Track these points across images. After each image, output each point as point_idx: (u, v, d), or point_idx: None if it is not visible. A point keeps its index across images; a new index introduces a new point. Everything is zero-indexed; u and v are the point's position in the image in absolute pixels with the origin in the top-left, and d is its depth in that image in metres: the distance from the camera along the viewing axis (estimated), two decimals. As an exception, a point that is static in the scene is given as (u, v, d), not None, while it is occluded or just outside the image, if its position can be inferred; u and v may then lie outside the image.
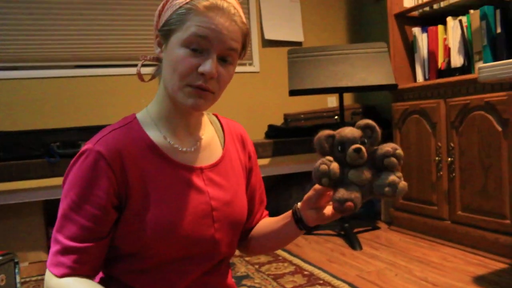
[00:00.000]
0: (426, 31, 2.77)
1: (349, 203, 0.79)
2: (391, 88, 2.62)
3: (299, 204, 0.95)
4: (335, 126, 3.25)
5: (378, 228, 2.98)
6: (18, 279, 2.02)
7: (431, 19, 2.87)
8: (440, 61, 2.68)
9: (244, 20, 0.88)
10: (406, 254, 2.40)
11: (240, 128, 1.09)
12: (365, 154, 0.81)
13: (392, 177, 0.80)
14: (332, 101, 3.79)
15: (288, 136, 3.16)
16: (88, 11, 3.11)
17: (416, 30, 2.83)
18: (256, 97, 3.60)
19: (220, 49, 0.84)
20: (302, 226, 0.95)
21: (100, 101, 3.14)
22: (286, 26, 3.67)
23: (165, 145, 0.91)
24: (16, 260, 2.02)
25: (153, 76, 1.00)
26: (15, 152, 2.48)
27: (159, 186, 0.87)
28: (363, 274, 2.15)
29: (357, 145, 0.81)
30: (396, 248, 2.52)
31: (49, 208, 2.99)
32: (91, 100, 3.12)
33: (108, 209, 0.84)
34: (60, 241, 0.85)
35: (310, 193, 0.90)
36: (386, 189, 0.79)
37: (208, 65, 0.82)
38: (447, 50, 2.63)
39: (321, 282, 2.09)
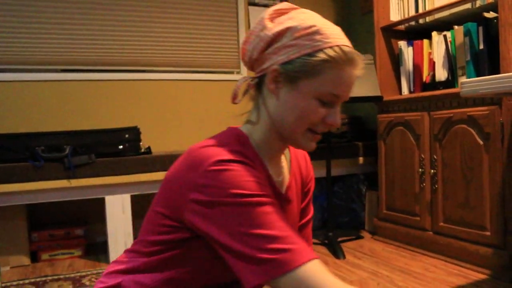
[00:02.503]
0: (412, 45, 2.83)
1: None
2: (377, 99, 2.66)
3: None
4: (322, 135, 3.29)
5: (361, 237, 3.01)
6: (-1, 284, 2.01)
7: (417, 33, 2.93)
8: (425, 75, 2.74)
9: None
10: (388, 264, 2.43)
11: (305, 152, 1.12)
12: None
13: None
14: (318, 111, 3.82)
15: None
16: (76, 15, 3.10)
17: (402, 44, 2.88)
18: (243, 106, 3.61)
19: (343, 100, 0.88)
20: None
21: (87, 105, 3.14)
22: (274, 35, 3.70)
23: (271, 174, 0.94)
24: (-3, 264, 2.01)
25: (252, 97, 0.97)
26: (-1, 155, 2.46)
27: None
28: (345, 283, 2.17)
29: None
30: (379, 257, 2.55)
31: (33, 212, 2.97)
32: (77, 105, 3.11)
33: None
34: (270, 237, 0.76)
35: None
36: None
37: (337, 118, 0.87)
38: (432, 64, 2.69)
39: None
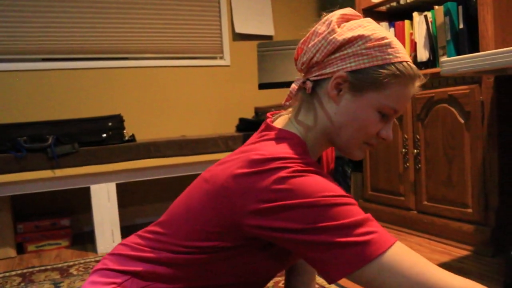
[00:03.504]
0: (394, 26, 2.83)
1: None
2: (360, 81, 2.67)
3: None
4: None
5: (347, 219, 3.04)
6: (-15, 276, 1.99)
7: (398, 14, 2.93)
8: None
9: None
10: (374, 244, 2.46)
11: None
12: None
13: None
14: (302, 94, 3.83)
15: (258, 129, 3.18)
16: (55, 2, 3.05)
17: (384, 25, 2.89)
18: (227, 91, 3.61)
19: (397, 116, 0.90)
20: None
21: (69, 94, 3.10)
22: (256, 20, 3.69)
23: None
24: (-17, 257, 1.99)
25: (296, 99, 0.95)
26: (-20, 147, 2.43)
27: None
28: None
29: None
30: (364, 238, 2.58)
31: (17, 203, 2.95)
32: (59, 94, 3.07)
33: None
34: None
35: None
36: None
37: (389, 133, 0.87)
38: (414, 45, 2.70)
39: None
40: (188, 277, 0.88)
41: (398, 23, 2.80)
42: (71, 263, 2.43)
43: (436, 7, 2.50)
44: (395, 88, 0.83)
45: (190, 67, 3.49)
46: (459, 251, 2.24)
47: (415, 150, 2.52)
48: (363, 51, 0.83)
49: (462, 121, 2.24)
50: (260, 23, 3.70)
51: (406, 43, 2.76)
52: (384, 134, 0.87)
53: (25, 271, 2.36)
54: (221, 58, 3.62)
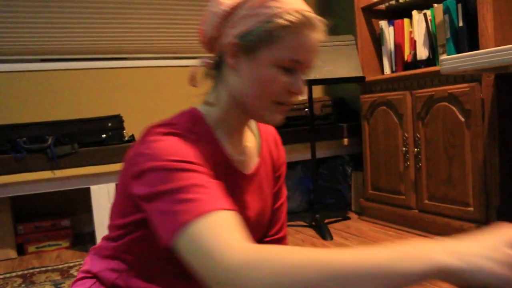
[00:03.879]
0: (393, 24, 2.83)
1: None
2: (359, 80, 2.67)
3: None
4: (305, 118, 3.29)
5: (348, 218, 3.04)
6: (-15, 277, 1.99)
7: (397, 12, 2.93)
8: (406, 54, 2.74)
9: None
10: (375, 243, 2.46)
11: (274, 131, 1.06)
12: None
13: None
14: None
15: (259, 129, 3.18)
16: (53, 3, 3.04)
17: (383, 23, 2.88)
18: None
19: (306, 67, 0.83)
20: None
21: (68, 95, 3.10)
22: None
23: (225, 151, 0.88)
24: (-17, 258, 1.99)
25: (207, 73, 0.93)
26: (-20, 148, 2.43)
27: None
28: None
29: None
30: (365, 237, 2.58)
31: (17, 204, 2.94)
32: (58, 94, 3.07)
33: None
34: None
35: None
36: None
37: (300, 85, 0.83)
38: (413, 43, 2.69)
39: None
40: (143, 260, 0.86)
41: (397, 21, 2.79)
42: (72, 264, 2.43)
43: (436, 5, 2.49)
44: (288, 39, 0.79)
45: (191, 67, 3.48)
46: (460, 250, 2.24)
47: (416, 149, 2.51)
48: (248, 12, 0.81)
49: (463, 119, 2.23)
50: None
51: (405, 41, 2.75)
52: (293, 88, 0.82)
53: (25, 272, 2.35)
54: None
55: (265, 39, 0.80)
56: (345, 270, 0.53)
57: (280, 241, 1.07)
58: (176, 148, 0.75)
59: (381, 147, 2.78)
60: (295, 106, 3.53)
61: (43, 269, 2.38)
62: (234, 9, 0.82)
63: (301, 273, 0.55)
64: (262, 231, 1.00)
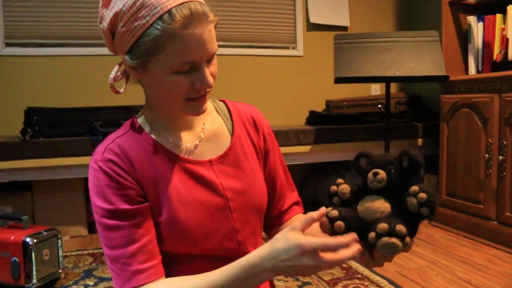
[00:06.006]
0: (483, 20, 2.63)
1: (338, 223, 0.76)
2: (442, 79, 2.51)
3: None
4: (378, 114, 3.17)
5: (418, 222, 2.90)
6: (60, 253, 2.07)
7: (489, 7, 2.71)
8: (496, 53, 2.55)
9: (209, 8, 0.80)
10: (448, 253, 2.32)
11: (252, 110, 1.03)
12: (384, 180, 0.76)
13: (383, 225, 0.71)
14: (376, 88, 3.68)
15: (329, 123, 3.09)
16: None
17: (471, 19, 2.69)
18: (298, 82, 3.53)
19: (207, 58, 0.80)
20: None
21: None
22: (332, 10, 3.57)
23: (169, 143, 0.89)
24: (59, 236, 2.07)
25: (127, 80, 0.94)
26: (59, 129, 2.52)
27: (170, 185, 0.86)
28: (403, 271, 2.10)
29: (377, 170, 0.76)
30: (437, 245, 2.45)
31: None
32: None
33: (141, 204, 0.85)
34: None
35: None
36: (371, 234, 0.72)
37: (204, 80, 0.80)
38: (505, 41, 2.49)
39: (360, 276, 2.05)
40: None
41: (488, 17, 2.60)
42: (139, 247, 2.48)
43: (536, 1, 2.28)
44: (170, 46, 0.76)
45: (262, 56, 3.44)
46: (545, 270, 2.07)
47: (500, 157, 2.34)
48: (125, 28, 0.77)
49: (559, 128, 2.04)
50: (336, 13, 3.58)
51: (496, 39, 2.55)
52: (197, 85, 0.80)
53: (95, 251, 2.44)
54: (294, 48, 3.54)
55: (150, 52, 0.77)
56: None
57: (283, 214, 1.04)
58: (101, 191, 0.82)
59: (460, 151, 2.62)
60: (368, 102, 3.41)
61: (112, 250, 2.45)
62: (114, 26, 0.80)
63: None
64: (259, 207, 0.97)
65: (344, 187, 0.80)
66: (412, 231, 0.73)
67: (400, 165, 0.77)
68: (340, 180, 0.81)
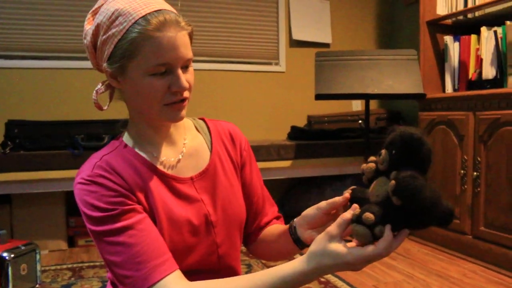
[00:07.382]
0: (459, 40, 2.71)
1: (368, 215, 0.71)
2: (419, 97, 2.57)
3: (295, 220, 0.95)
4: (359, 130, 3.22)
5: (397, 237, 2.94)
6: (38, 268, 2.06)
7: (465, 28, 2.80)
8: (471, 72, 2.62)
9: (182, 18, 0.86)
10: (424, 267, 2.37)
11: (229, 126, 1.07)
12: (386, 162, 0.73)
13: (356, 212, 0.72)
14: (357, 104, 3.75)
15: (311, 139, 3.13)
16: None
17: (448, 39, 2.77)
18: (280, 97, 3.58)
19: (181, 63, 0.85)
20: (301, 245, 0.95)
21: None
22: (314, 27, 3.64)
23: (153, 158, 0.93)
24: (37, 250, 2.06)
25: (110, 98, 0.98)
26: (40, 142, 2.51)
27: (159, 201, 0.89)
28: (380, 285, 2.13)
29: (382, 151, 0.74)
30: (414, 259, 2.49)
31: (71, 199, 3.03)
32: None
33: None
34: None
35: (311, 211, 0.90)
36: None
37: (179, 83, 0.84)
38: (479, 61, 2.57)
39: (337, 291, 2.07)
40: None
41: (464, 37, 2.68)
42: (119, 261, 2.47)
43: (508, 22, 2.37)
44: (144, 49, 0.81)
45: (245, 71, 3.48)
46: (518, 284, 2.12)
47: (475, 173, 2.40)
48: (105, 36, 0.84)
49: (530, 146, 2.10)
50: (318, 30, 3.65)
51: (471, 59, 2.63)
52: (173, 88, 0.84)
53: (75, 265, 2.42)
54: (277, 64, 3.59)
55: (127, 56, 0.82)
56: None
57: (261, 229, 1.07)
58: (97, 201, 0.82)
59: (437, 167, 2.67)
60: (349, 118, 3.46)
61: (91, 264, 2.44)
62: (95, 37, 0.86)
63: None
64: (237, 221, 1.00)
65: (370, 166, 0.78)
66: (391, 221, 0.69)
67: (400, 146, 0.71)
68: (371, 158, 0.79)
